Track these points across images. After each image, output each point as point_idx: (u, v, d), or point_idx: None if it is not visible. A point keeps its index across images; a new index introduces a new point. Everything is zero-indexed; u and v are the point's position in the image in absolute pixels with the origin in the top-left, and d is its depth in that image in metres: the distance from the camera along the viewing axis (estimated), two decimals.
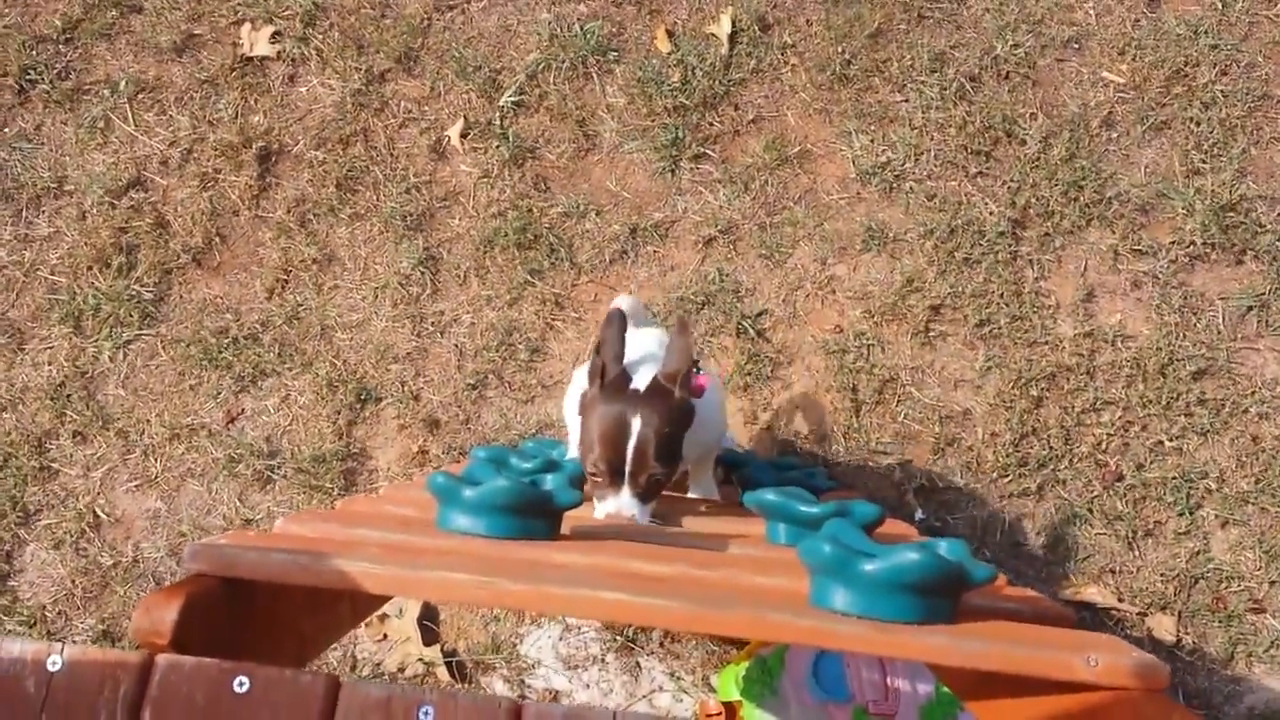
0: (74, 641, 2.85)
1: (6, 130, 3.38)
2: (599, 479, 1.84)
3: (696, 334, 3.14)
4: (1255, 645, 2.89)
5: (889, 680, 2.43)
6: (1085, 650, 1.17)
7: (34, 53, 3.43)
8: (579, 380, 2.15)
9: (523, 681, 2.87)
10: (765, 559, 1.59)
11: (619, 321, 1.95)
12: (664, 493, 1.99)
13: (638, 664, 2.87)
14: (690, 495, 2.36)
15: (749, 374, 3.10)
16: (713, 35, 3.33)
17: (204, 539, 1.23)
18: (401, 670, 2.87)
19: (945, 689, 2.38)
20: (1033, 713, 1.29)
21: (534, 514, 1.48)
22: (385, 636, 2.91)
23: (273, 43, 3.39)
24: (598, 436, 1.83)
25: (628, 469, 1.81)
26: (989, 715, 1.44)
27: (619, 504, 1.82)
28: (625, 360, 1.94)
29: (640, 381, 1.90)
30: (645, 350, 2.07)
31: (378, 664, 2.88)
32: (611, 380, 1.89)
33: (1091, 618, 2.92)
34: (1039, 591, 2.88)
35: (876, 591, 1.20)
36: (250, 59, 3.39)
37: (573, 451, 2.15)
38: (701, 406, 1.96)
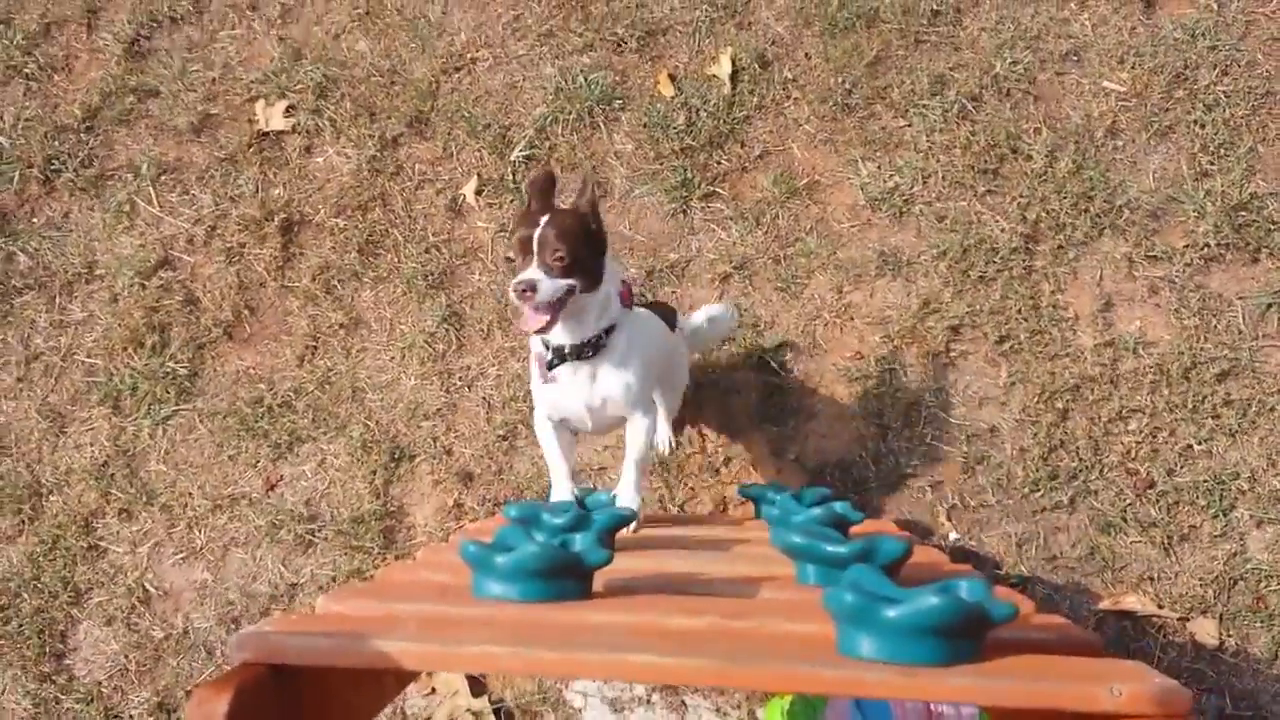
0: (130, 716, 2.93)
1: (35, 220, 3.48)
2: (513, 260, 2.12)
3: (719, 363, 3.18)
4: None
5: (932, 705, 2.45)
6: (1109, 680, 1.20)
7: (56, 142, 3.53)
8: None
9: None
10: (795, 603, 1.62)
11: (546, 179, 2.22)
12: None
13: (683, 702, 2.90)
14: (619, 500, 2.34)
15: (773, 405, 3.13)
16: (714, 76, 3.39)
17: (249, 628, 1.28)
18: None
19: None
20: None
21: (565, 575, 1.52)
22: (434, 690, 2.96)
23: (287, 116, 3.48)
24: (515, 229, 2.14)
25: (535, 246, 2.08)
26: None
27: (524, 273, 2.07)
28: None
29: None
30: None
31: (428, 718, 2.93)
32: (534, 206, 2.19)
33: (1133, 626, 2.92)
34: (1075, 607, 2.90)
35: (900, 637, 1.23)
36: (266, 134, 3.48)
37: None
38: (667, 342, 2.43)
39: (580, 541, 1.59)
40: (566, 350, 2.21)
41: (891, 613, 1.23)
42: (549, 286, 2.07)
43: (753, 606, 1.56)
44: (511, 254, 2.13)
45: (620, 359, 2.27)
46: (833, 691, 1.19)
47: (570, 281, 2.10)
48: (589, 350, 2.22)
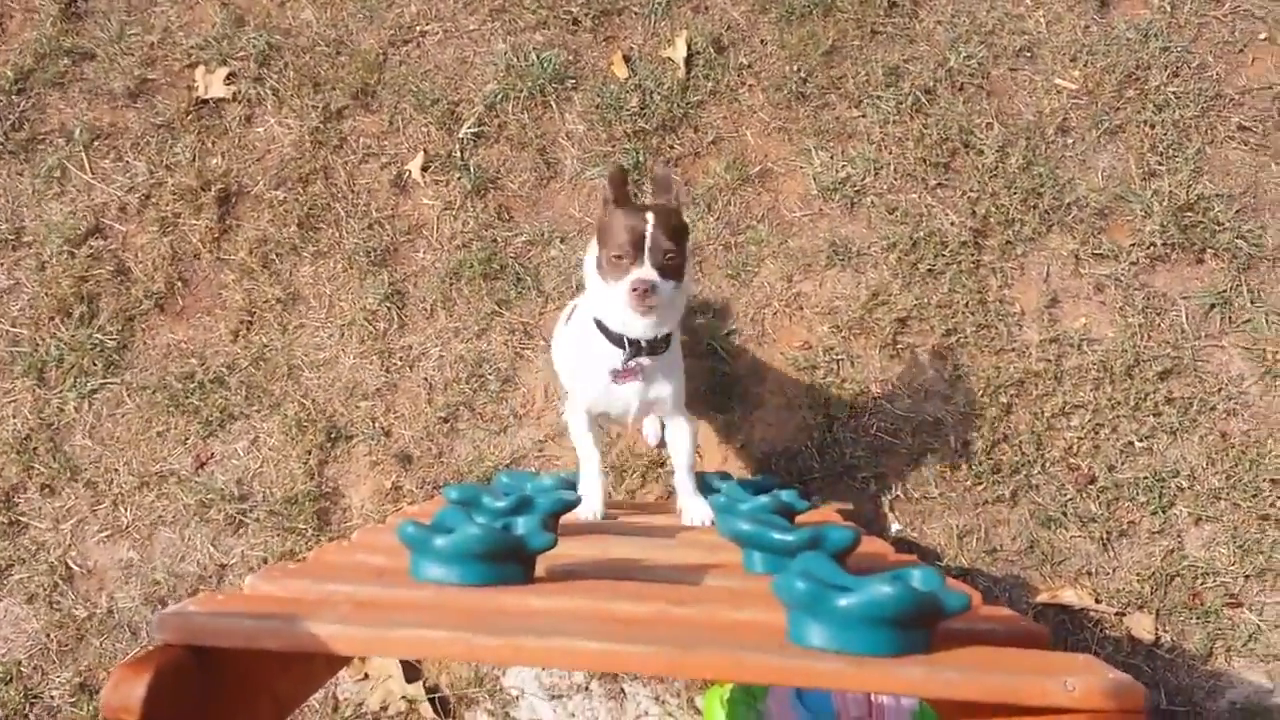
0: (51, 696, 2.83)
1: None
2: (623, 259, 2.11)
3: None
4: (1234, 640, 2.91)
5: (873, 696, 2.43)
6: (1062, 674, 1.18)
7: None
8: (562, 329, 2.56)
9: (507, 714, 2.86)
10: (743, 591, 1.59)
11: (622, 174, 2.24)
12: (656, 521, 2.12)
13: (622, 690, 2.86)
14: (683, 521, 2.37)
15: (721, 393, 3.10)
16: (669, 59, 3.34)
17: (171, 607, 1.21)
18: (384, 709, 2.85)
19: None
20: None
21: (507, 559, 1.47)
22: (366, 675, 2.89)
23: (228, 84, 3.37)
24: (620, 230, 2.11)
25: (647, 245, 2.08)
26: None
27: (642, 272, 2.08)
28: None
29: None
30: None
31: (360, 704, 2.86)
32: (626, 201, 2.19)
33: (1070, 620, 2.94)
34: (1014, 600, 2.91)
35: (852, 626, 1.20)
36: (205, 101, 3.37)
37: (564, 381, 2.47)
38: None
39: (523, 525, 1.54)
40: (644, 344, 2.22)
41: (844, 601, 1.20)
42: (666, 287, 2.11)
43: (699, 593, 1.52)
44: (618, 252, 2.11)
45: (672, 361, 2.34)
46: (783, 681, 1.16)
47: (677, 281, 2.15)
48: (662, 345, 2.26)
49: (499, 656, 1.13)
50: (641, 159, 3.25)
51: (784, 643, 1.24)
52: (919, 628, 1.23)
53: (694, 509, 2.37)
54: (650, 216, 2.11)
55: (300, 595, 1.39)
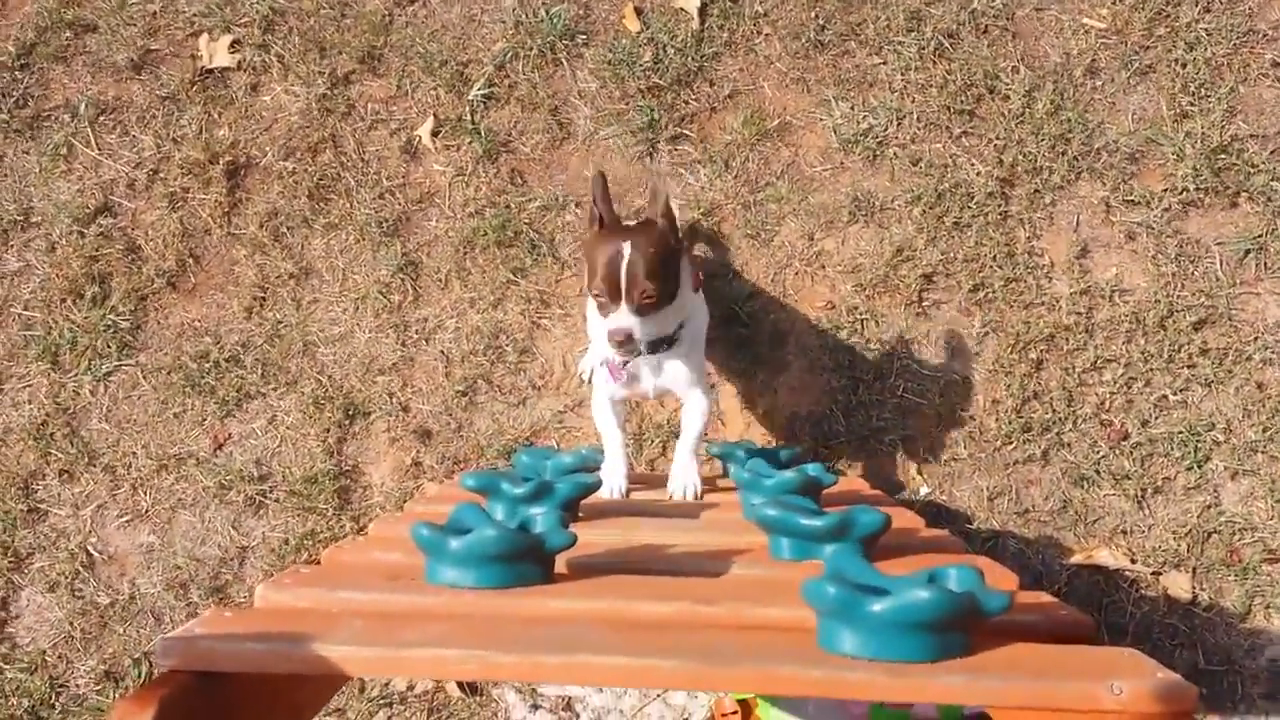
0: (77, 684, 2.83)
1: None
2: (601, 300, 2.11)
3: None
4: (1273, 596, 2.85)
5: None
6: (1108, 676, 1.13)
7: None
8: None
9: (534, 690, 2.83)
10: (770, 581, 1.54)
11: (602, 180, 2.26)
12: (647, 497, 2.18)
13: None
14: (670, 494, 2.34)
15: (742, 358, 3.04)
16: (682, 10, 3.23)
17: (175, 631, 1.17)
18: (410, 688, 2.83)
19: None
20: None
21: (525, 559, 1.42)
22: None
23: (232, 52, 3.29)
24: (598, 265, 2.08)
25: (623, 286, 2.06)
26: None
27: (618, 319, 2.08)
28: None
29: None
30: None
31: (386, 683, 2.84)
32: (608, 222, 2.19)
33: (1105, 581, 2.88)
34: (1045, 563, 2.85)
35: (886, 632, 1.14)
36: (210, 71, 3.29)
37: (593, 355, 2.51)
38: (697, 309, 2.38)
39: (542, 522, 1.48)
40: (643, 348, 2.20)
41: (877, 607, 1.14)
42: (646, 330, 2.11)
43: (724, 588, 1.47)
44: (596, 290, 2.10)
45: (685, 351, 2.32)
46: (815, 693, 1.11)
47: (667, 304, 2.15)
48: (664, 345, 2.25)
49: (517, 674, 1.09)
50: (656, 117, 3.16)
51: (814, 648, 1.19)
52: (956, 631, 1.18)
53: (681, 480, 2.35)
54: (628, 249, 2.06)
55: (312, 605, 1.35)
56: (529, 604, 1.35)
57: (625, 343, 2.09)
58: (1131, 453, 2.94)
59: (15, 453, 3.06)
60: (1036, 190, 3.08)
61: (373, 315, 3.10)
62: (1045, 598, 1.48)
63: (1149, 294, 3.01)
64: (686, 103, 3.19)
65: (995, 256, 3.04)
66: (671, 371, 2.32)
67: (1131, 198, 3.06)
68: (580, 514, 1.96)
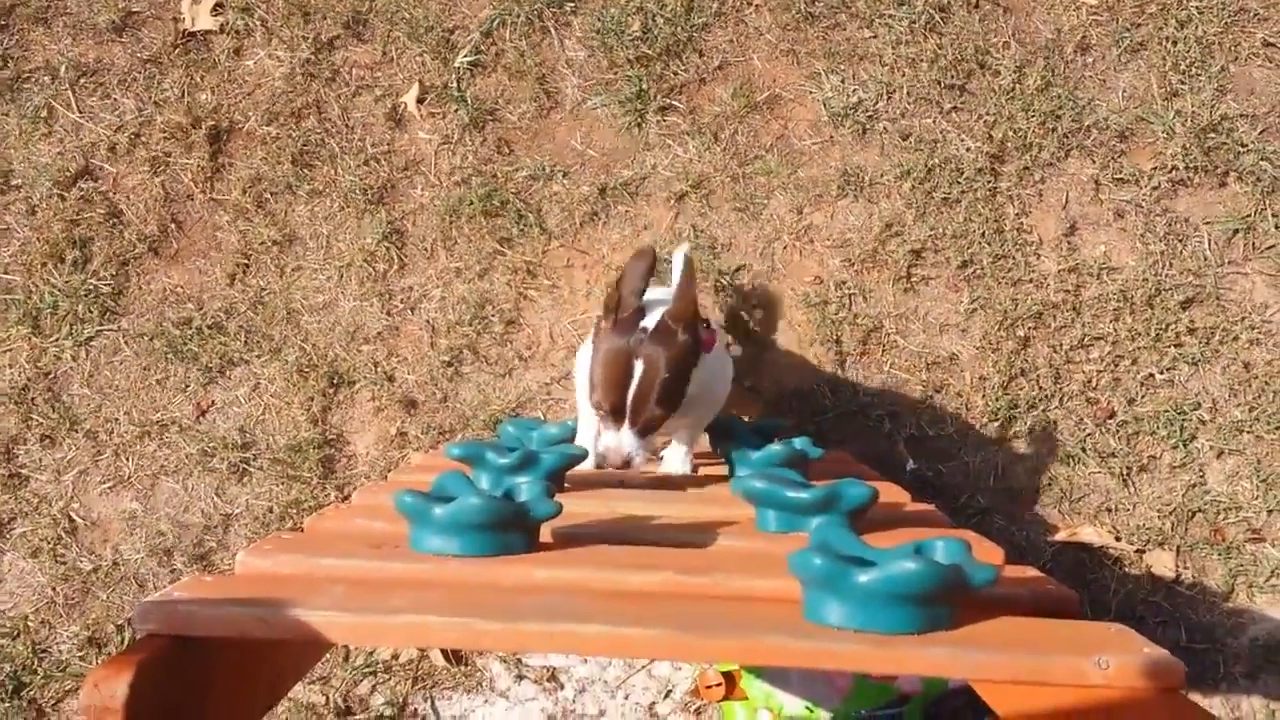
0: (59, 650, 2.81)
1: None
2: (601, 415, 1.93)
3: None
4: (1256, 575, 2.87)
5: None
6: (1095, 650, 1.12)
7: None
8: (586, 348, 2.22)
9: (519, 660, 2.83)
10: (756, 553, 1.53)
11: (648, 258, 1.98)
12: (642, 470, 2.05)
13: None
14: (661, 470, 2.31)
15: (729, 332, 3.02)
16: None
17: (154, 595, 1.16)
18: (395, 657, 2.82)
19: None
20: (1040, 701, 1.25)
21: (510, 528, 1.41)
22: None
23: (215, 15, 3.24)
24: (602, 377, 1.91)
25: (629, 409, 1.89)
26: (993, 695, 1.40)
27: (619, 440, 1.91)
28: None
29: (650, 321, 1.93)
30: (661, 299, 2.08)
31: (371, 652, 2.84)
32: (624, 317, 1.93)
33: (1089, 558, 2.89)
34: (1030, 539, 2.85)
35: (873, 604, 1.14)
36: (193, 34, 3.24)
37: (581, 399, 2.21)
38: (707, 363, 2.03)
39: (526, 490, 1.47)
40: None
41: (863, 578, 1.13)
42: (647, 448, 1.96)
43: (710, 559, 1.46)
44: (596, 402, 1.93)
45: (687, 437, 2.25)
46: (800, 664, 1.10)
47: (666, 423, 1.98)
48: None
49: (500, 643, 1.08)
50: (644, 87, 3.13)
51: (800, 619, 1.18)
52: (943, 603, 1.17)
53: (671, 456, 2.31)
54: (639, 370, 1.88)
55: (294, 572, 1.33)
56: (513, 573, 1.34)
57: (623, 467, 1.93)
58: (1117, 431, 2.94)
59: None
60: (1026, 167, 3.07)
61: (357, 283, 3.08)
62: (1031, 572, 1.48)
63: (1137, 272, 3.01)
64: (675, 74, 3.16)
65: (984, 233, 3.03)
66: (664, 452, 2.24)
67: (1121, 176, 3.05)
68: (566, 485, 1.95)
